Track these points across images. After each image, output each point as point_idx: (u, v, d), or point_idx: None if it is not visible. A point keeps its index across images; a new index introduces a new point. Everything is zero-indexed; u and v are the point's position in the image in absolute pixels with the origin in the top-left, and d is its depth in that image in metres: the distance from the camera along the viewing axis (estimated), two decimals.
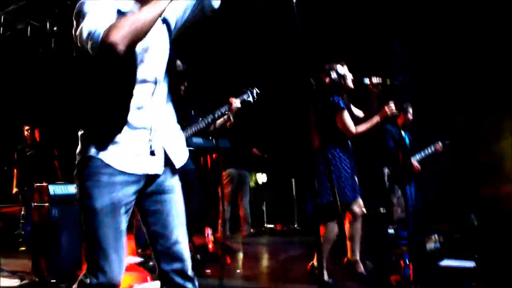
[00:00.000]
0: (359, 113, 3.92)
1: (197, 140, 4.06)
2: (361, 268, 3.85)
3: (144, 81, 1.72)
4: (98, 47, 1.51)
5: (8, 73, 7.21)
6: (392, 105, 3.72)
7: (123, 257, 1.73)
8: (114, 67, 1.64)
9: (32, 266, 4.56)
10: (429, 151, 5.40)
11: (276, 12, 6.66)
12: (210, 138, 4.15)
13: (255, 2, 7.35)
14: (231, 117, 4.02)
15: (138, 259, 5.15)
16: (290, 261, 5.15)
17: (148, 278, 4.20)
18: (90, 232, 1.69)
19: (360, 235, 3.81)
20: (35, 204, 4.65)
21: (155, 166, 1.76)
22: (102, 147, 1.68)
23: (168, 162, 1.81)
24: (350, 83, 3.80)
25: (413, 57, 7.61)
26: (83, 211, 1.70)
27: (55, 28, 7.27)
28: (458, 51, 7.04)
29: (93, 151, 1.69)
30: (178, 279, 1.80)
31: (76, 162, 1.74)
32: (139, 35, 1.54)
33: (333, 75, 3.76)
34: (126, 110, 1.69)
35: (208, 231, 5.90)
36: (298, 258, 5.27)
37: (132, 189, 1.74)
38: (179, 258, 1.80)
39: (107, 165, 1.68)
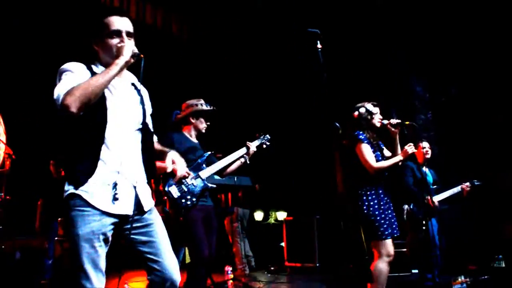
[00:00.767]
0: (387, 153, 3.93)
1: (218, 177, 4.10)
2: None
3: (116, 130, 2.10)
4: (59, 108, 1.91)
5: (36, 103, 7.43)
6: (412, 145, 3.74)
7: (102, 279, 2.06)
8: (86, 120, 2.00)
9: None
10: (455, 191, 5.30)
11: (302, 57, 6.82)
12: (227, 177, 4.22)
13: (282, 47, 7.52)
14: (247, 161, 4.07)
15: None
16: None
17: None
18: (74, 255, 2.00)
19: (385, 282, 3.70)
20: (58, 237, 4.72)
21: (126, 208, 2.09)
22: (79, 187, 2.01)
23: (139, 206, 2.14)
24: (377, 122, 3.83)
25: (434, 97, 7.63)
26: (69, 237, 2.02)
27: None
28: (481, 91, 7.03)
29: (73, 189, 2.02)
30: None
31: (63, 196, 2.05)
32: (90, 98, 1.92)
33: (361, 110, 3.82)
34: (96, 157, 2.04)
35: (228, 268, 5.86)
36: None
37: (109, 221, 2.05)
38: (169, 279, 2.15)
39: (86, 201, 2.01)
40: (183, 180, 3.83)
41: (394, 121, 3.78)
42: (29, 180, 6.24)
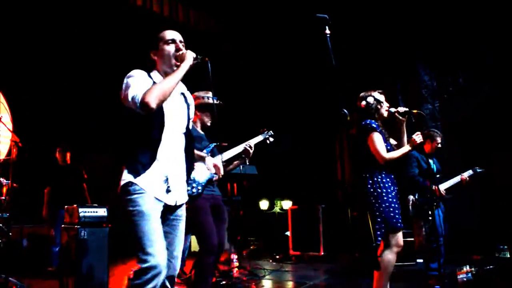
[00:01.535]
0: (394, 142, 3.89)
1: None
2: None
3: (169, 138, 2.44)
4: (139, 105, 2.27)
5: (41, 96, 7.43)
6: (419, 134, 3.69)
7: (164, 248, 2.32)
8: (148, 121, 2.36)
9: (59, 286, 4.63)
10: (455, 181, 5.28)
11: (310, 44, 6.76)
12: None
13: (289, 36, 7.46)
14: (247, 162, 4.08)
15: None
16: None
17: None
18: (140, 228, 2.27)
19: (391, 271, 3.69)
20: (65, 225, 4.75)
21: (170, 199, 2.44)
22: (138, 177, 2.35)
23: (177, 200, 2.48)
24: (384, 111, 3.78)
25: (441, 86, 7.58)
26: (133, 216, 2.30)
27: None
28: (489, 82, 6.97)
29: (132, 178, 2.36)
30: (168, 284, 2.43)
31: (122, 184, 2.38)
32: (165, 95, 2.31)
33: (369, 100, 3.77)
34: (155, 153, 2.38)
35: (233, 256, 5.89)
36: (325, 287, 5.19)
37: (160, 206, 2.39)
38: (174, 269, 2.48)
39: (142, 188, 2.34)
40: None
41: (402, 109, 3.74)
42: (36, 168, 6.27)
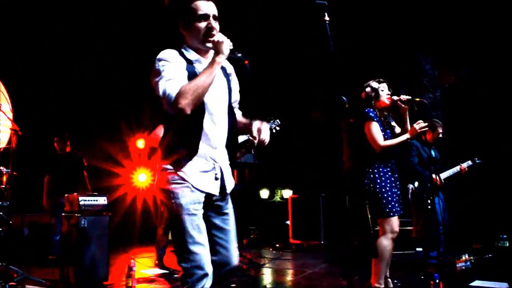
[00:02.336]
0: (397, 130, 3.91)
1: None
2: None
3: (212, 119, 2.24)
4: (171, 109, 2.06)
5: (41, 85, 7.42)
6: (421, 123, 3.70)
7: (208, 245, 2.17)
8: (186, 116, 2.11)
9: (60, 274, 4.66)
10: (454, 171, 5.29)
11: (309, 31, 6.71)
12: None
13: (289, 23, 7.39)
14: (252, 151, 4.05)
15: (162, 271, 5.18)
16: (315, 278, 5.09)
17: None
18: (178, 222, 2.14)
19: (389, 258, 3.72)
20: (65, 213, 4.76)
21: (214, 189, 2.26)
22: (180, 169, 2.19)
23: (223, 187, 2.31)
24: (385, 99, 3.80)
25: (443, 75, 7.54)
26: (172, 209, 2.16)
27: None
28: (491, 72, 6.93)
29: (172, 170, 2.20)
30: (228, 273, 2.32)
31: (161, 175, 2.22)
32: (200, 98, 2.09)
33: (367, 89, 3.82)
34: (197, 142, 2.20)
35: None
36: (324, 275, 5.22)
37: (201, 197, 2.21)
38: (232, 262, 2.32)
39: (183, 179, 2.17)
40: None
41: (404, 97, 3.76)
42: (35, 156, 6.27)
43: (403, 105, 3.78)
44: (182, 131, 2.20)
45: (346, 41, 6.96)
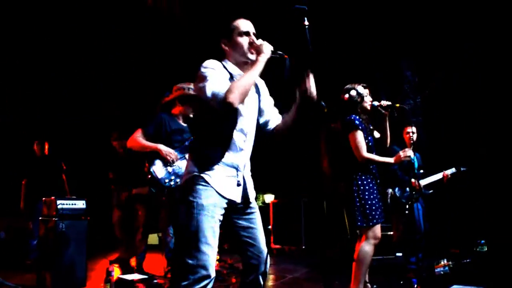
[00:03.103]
0: (377, 135, 3.94)
1: None
2: None
3: (241, 130, 2.40)
4: (221, 104, 2.19)
5: (21, 85, 7.32)
6: (407, 151, 3.76)
7: (216, 246, 2.25)
8: (224, 117, 2.31)
9: (37, 280, 4.56)
10: (437, 177, 5.35)
11: (288, 35, 6.72)
12: None
13: (267, 25, 7.39)
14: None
15: (141, 276, 5.12)
16: (296, 283, 5.09)
17: None
18: (197, 222, 2.20)
19: (368, 264, 3.73)
20: (43, 217, 4.67)
21: (236, 195, 2.36)
22: (205, 171, 2.29)
23: (245, 195, 2.41)
24: (367, 105, 3.82)
25: (423, 81, 7.63)
26: (192, 207, 2.22)
27: None
28: (470, 78, 7.04)
29: (197, 172, 2.29)
30: (259, 278, 2.38)
31: (187, 177, 2.32)
32: (246, 94, 2.24)
33: (352, 93, 3.80)
34: (225, 150, 2.33)
35: None
36: (304, 280, 5.22)
37: (223, 202, 2.30)
38: (263, 263, 2.38)
39: (207, 182, 2.27)
40: (169, 162, 3.81)
41: (384, 103, 3.79)
42: (13, 159, 6.18)
43: (383, 111, 3.81)
44: (212, 138, 2.34)
45: (328, 45, 7.02)
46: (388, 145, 3.97)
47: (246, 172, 2.46)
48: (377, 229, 3.69)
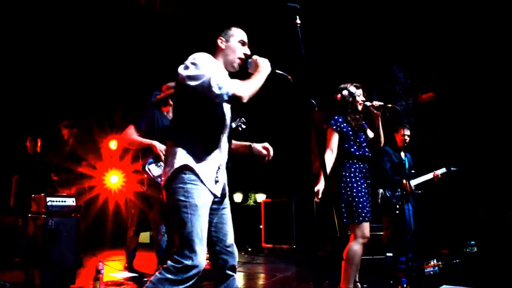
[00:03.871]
0: (370, 134, 3.95)
1: None
2: None
3: (225, 129, 2.47)
4: (229, 97, 2.22)
5: (12, 82, 7.25)
6: None
7: (206, 246, 2.27)
8: (214, 115, 2.37)
9: (25, 277, 4.52)
10: (427, 177, 5.38)
11: (280, 34, 6.73)
12: None
13: (258, 24, 7.40)
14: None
15: (132, 274, 5.09)
16: (286, 282, 5.09)
17: None
18: (191, 223, 2.21)
19: (359, 262, 3.74)
20: (32, 214, 4.63)
21: (218, 190, 2.40)
22: (198, 163, 2.30)
23: (224, 192, 2.48)
24: (359, 105, 3.83)
25: (415, 84, 7.66)
26: (185, 207, 2.23)
27: None
28: (462, 80, 7.07)
29: (191, 162, 2.28)
30: (230, 272, 2.45)
31: (177, 166, 2.27)
32: (253, 93, 2.30)
33: (344, 93, 3.82)
34: (215, 147, 2.38)
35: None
36: (294, 279, 5.22)
37: (211, 198, 2.34)
38: (233, 256, 2.46)
39: (198, 176, 2.27)
40: (162, 159, 3.81)
41: (376, 103, 3.80)
42: (4, 156, 6.12)
43: (375, 111, 3.82)
44: (203, 134, 2.36)
45: (321, 45, 7.03)
46: (382, 145, 3.99)
47: (223, 168, 2.51)
48: (366, 228, 3.69)
